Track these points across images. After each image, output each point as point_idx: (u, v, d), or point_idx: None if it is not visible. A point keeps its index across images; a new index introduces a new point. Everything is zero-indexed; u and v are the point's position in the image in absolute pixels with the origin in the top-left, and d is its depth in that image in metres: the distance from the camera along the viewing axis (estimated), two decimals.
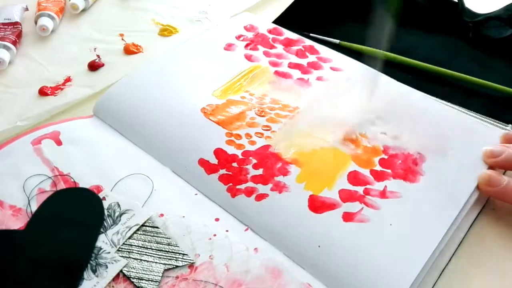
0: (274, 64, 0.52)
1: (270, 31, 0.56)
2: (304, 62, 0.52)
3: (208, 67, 0.51)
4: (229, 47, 0.54)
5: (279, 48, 0.54)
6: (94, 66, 0.54)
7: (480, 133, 0.43)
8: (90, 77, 0.53)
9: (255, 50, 0.53)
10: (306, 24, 0.59)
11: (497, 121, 0.45)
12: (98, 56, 0.55)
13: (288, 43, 0.54)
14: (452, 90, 0.50)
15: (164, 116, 0.45)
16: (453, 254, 0.36)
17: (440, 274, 0.35)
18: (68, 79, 0.53)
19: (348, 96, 0.47)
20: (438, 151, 0.42)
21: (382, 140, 0.43)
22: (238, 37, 0.55)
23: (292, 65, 0.51)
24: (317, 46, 0.54)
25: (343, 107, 0.46)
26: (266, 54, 0.53)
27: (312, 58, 0.52)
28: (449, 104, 0.47)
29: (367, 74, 0.50)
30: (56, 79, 0.53)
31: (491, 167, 0.40)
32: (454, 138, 0.43)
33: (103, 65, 0.54)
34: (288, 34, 0.56)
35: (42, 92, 0.51)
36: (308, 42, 0.54)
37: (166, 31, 0.59)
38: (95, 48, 0.57)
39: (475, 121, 0.45)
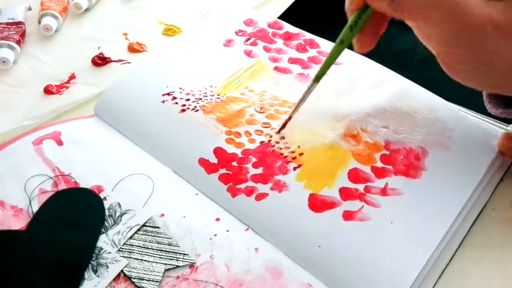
0: (274, 59, 0.49)
1: (270, 25, 0.53)
2: (304, 56, 0.49)
3: (208, 64, 0.49)
4: (228, 43, 0.51)
5: (279, 43, 0.51)
6: (101, 61, 0.52)
7: (483, 128, 0.41)
8: (95, 75, 0.51)
9: (255, 46, 0.51)
10: (306, 23, 0.57)
11: (497, 121, 0.43)
12: (102, 54, 0.53)
13: (288, 37, 0.52)
14: (452, 91, 0.47)
15: (164, 115, 0.43)
16: (453, 254, 0.34)
17: (441, 274, 0.34)
18: (72, 76, 0.51)
19: (349, 90, 0.45)
20: (440, 146, 0.40)
21: (384, 134, 0.41)
22: (237, 33, 0.52)
23: (292, 60, 0.49)
24: (318, 39, 0.51)
25: (344, 102, 0.44)
26: (265, 49, 0.50)
27: (312, 52, 0.50)
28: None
29: (368, 67, 0.47)
30: (61, 77, 0.51)
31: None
32: (457, 133, 0.40)
33: (111, 60, 0.52)
34: (288, 27, 0.53)
35: (47, 91, 0.49)
36: (309, 35, 0.52)
37: (170, 31, 0.57)
38: (99, 47, 0.55)
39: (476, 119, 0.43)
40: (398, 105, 0.43)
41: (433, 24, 0.33)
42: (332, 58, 0.39)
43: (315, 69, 0.47)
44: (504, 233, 0.36)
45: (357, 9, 0.36)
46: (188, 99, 0.45)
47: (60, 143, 0.42)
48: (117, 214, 0.37)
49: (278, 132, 0.41)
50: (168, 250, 0.35)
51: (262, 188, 0.37)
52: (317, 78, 0.40)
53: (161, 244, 0.35)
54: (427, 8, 0.32)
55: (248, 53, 0.50)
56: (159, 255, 0.35)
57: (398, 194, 0.36)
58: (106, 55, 0.53)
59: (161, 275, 0.33)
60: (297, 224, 0.35)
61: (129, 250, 0.35)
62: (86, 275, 0.34)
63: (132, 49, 0.54)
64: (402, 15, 0.34)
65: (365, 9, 0.36)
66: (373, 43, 0.38)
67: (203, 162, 0.39)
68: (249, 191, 0.37)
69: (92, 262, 0.34)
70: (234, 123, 0.42)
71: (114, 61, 0.53)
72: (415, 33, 0.36)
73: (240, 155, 0.40)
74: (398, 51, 0.51)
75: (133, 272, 0.34)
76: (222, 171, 0.39)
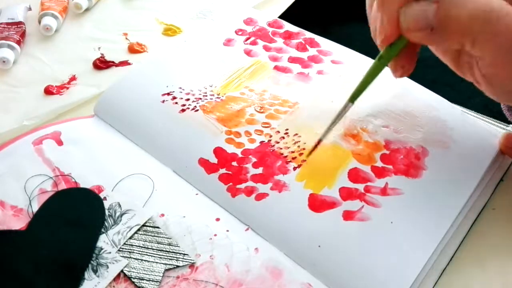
0: (273, 58, 0.49)
1: (270, 24, 0.53)
2: (304, 55, 0.49)
3: (208, 63, 0.48)
4: (228, 42, 0.51)
5: (279, 42, 0.51)
6: (103, 64, 0.52)
7: (483, 128, 0.41)
8: (96, 76, 0.51)
9: (255, 45, 0.50)
10: (306, 23, 0.56)
11: (497, 121, 0.43)
12: (102, 55, 0.53)
13: (288, 36, 0.51)
14: (453, 91, 0.47)
15: (164, 115, 0.43)
16: (453, 254, 0.34)
17: (441, 274, 0.33)
18: (73, 78, 0.51)
19: (349, 90, 0.45)
20: (441, 145, 0.39)
21: (384, 134, 0.41)
22: (237, 32, 0.52)
23: (292, 59, 0.49)
24: (318, 38, 0.51)
25: (344, 101, 0.44)
26: (265, 48, 0.50)
27: (312, 51, 0.49)
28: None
29: (368, 67, 0.47)
30: (61, 78, 0.51)
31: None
32: (457, 132, 0.40)
33: (113, 64, 0.52)
34: (288, 26, 0.53)
35: (48, 91, 0.49)
36: (309, 34, 0.52)
37: (170, 31, 0.57)
38: (99, 47, 0.54)
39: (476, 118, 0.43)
40: (398, 104, 0.43)
41: (481, 45, 0.30)
42: (370, 76, 0.35)
43: (315, 68, 0.47)
44: (504, 233, 0.35)
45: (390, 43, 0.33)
46: (188, 99, 0.44)
47: (60, 143, 0.42)
48: (117, 214, 0.37)
49: (308, 156, 0.39)
50: (168, 250, 0.35)
51: (262, 188, 0.37)
52: (352, 98, 0.36)
53: (161, 244, 0.35)
54: (474, 31, 0.29)
55: (248, 52, 0.50)
56: (159, 255, 0.34)
57: (398, 193, 0.36)
58: (107, 56, 0.53)
59: (161, 275, 0.33)
60: (297, 224, 0.35)
61: (129, 250, 0.35)
62: (86, 275, 0.33)
63: (132, 49, 0.54)
64: (445, 42, 0.31)
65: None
66: (413, 63, 0.35)
67: (203, 162, 0.39)
68: (249, 191, 0.37)
69: (92, 262, 0.34)
70: (234, 123, 0.42)
71: (116, 64, 0.52)
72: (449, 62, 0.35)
73: (240, 155, 0.39)
74: None
75: (133, 272, 0.34)
76: (222, 171, 0.38)
